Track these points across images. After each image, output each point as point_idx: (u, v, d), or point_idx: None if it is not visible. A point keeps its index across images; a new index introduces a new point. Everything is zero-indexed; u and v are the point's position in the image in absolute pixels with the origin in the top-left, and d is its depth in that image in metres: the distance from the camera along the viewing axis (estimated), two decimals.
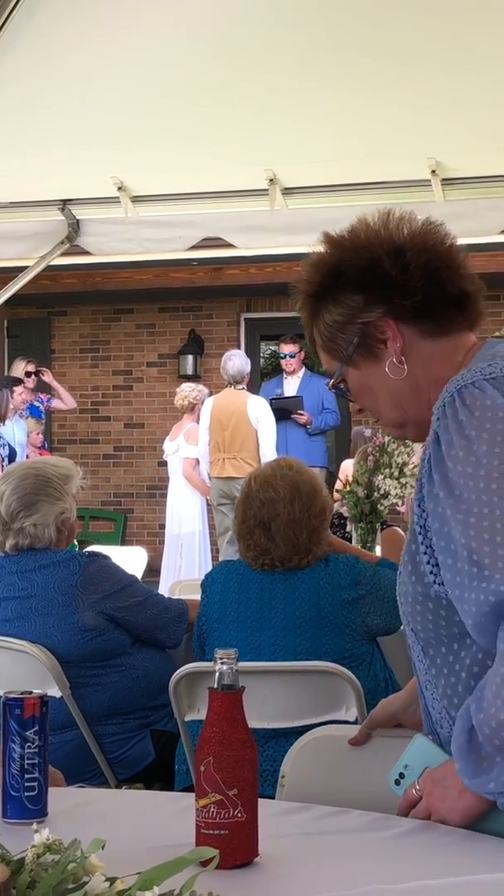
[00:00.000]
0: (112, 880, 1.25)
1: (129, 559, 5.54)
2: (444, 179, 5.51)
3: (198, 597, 3.79)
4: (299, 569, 3.20)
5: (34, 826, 1.35)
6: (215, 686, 1.48)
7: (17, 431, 9.62)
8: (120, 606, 3.38)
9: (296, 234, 5.90)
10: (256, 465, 8.99)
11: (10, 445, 9.25)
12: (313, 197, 5.81)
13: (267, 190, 5.68)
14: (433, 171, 5.45)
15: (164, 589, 8.38)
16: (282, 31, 4.91)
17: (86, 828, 1.48)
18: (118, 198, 5.85)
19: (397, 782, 1.74)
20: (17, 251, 6.29)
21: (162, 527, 10.90)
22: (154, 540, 11.61)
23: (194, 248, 6.23)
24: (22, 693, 1.66)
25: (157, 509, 11.78)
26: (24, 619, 3.36)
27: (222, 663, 1.48)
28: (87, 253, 6.40)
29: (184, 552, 9.46)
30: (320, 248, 1.97)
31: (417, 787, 1.69)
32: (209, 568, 9.50)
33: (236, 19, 4.84)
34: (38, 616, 3.35)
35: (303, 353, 10.88)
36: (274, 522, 3.20)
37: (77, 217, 6.08)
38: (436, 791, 1.66)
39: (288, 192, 5.74)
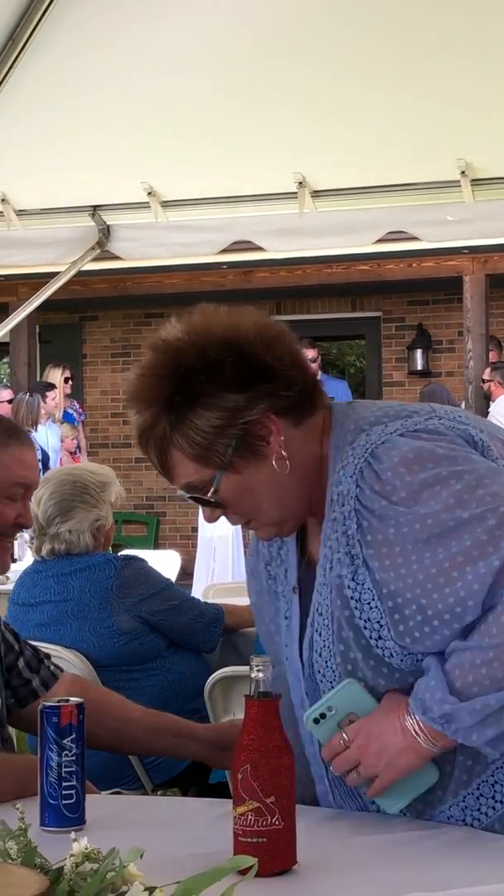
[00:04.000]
0: (151, 889, 1.25)
1: (163, 563, 5.55)
2: (473, 180, 5.48)
3: (232, 601, 3.81)
4: None
5: (72, 835, 1.35)
6: (251, 693, 1.48)
7: (51, 436, 9.66)
8: (155, 610, 3.39)
9: (325, 236, 5.90)
10: None
11: (43, 450, 9.29)
12: (343, 199, 5.80)
13: (296, 193, 5.67)
14: (462, 172, 5.43)
15: (197, 592, 8.38)
16: (310, 36, 4.92)
17: (123, 836, 1.48)
18: (148, 203, 5.86)
19: (317, 721, 1.69)
20: (49, 257, 6.32)
21: (194, 530, 10.91)
22: (186, 543, 11.63)
23: (224, 251, 6.24)
24: (59, 701, 1.67)
25: (190, 512, 11.80)
26: (60, 624, 3.38)
27: (258, 671, 1.48)
28: (117, 258, 6.42)
29: (217, 555, 9.47)
30: (152, 354, 1.78)
31: (346, 738, 1.67)
32: (241, 571, 9.53)
33: (264, 24, 4.85)
34: (74, 620, 3.36)
35: (320, 357, 10.95)
36: None
37: (107, 223, 6.10)
38: (371, 745, 1.65)
39: (317, 194, 5.73)
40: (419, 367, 11.63)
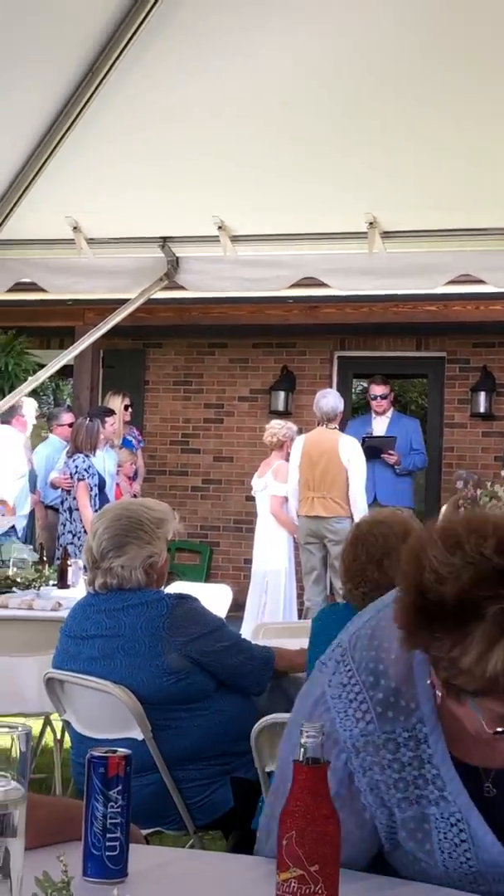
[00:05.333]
0: None
1: (215, 597, 5.54)
2: None
3: (283, 642, 3.79)
4: None
5: (115, 891, 1.34)
6: (300, 759, 1.46)
7: (108, 461, 9.68)
8: (206, 651, 3.37)
9: (393, 277, 5.89)
10: (346, 505, 8.95)
11: (100, 475, 9.32)
12: (413, 241, 5.79)
13: (366, 233, 5.67)
14: None
15: (248, 626, 8.37)
16: (389, 77, 4.92)
17: (164, 891, 1.47)
18: (218, 237, 5.89)
19: None
20: (118, 286, 6.37)
21: (247, 561, 10.88)
22: (239, 574, 11.61)
23: (291, 286, 6.26)
24: (107, 751, 1.66)
25: (243, 543, 11.78)
26: (110, 659, 3.37)
27: (308, 737, 1.46)
28: (184, 288, 6.46)
29: (269, 589, 9.43)
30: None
31: None
32: (293, 606, 9.52)
33: (341, 64, 4.86)
34: (124, 656, 3.35)
35: (392, 393, 10.87)
36: (388, 558, 3.24)
37: (177, 254, 6.14)
38: None
39: (387, 235, 5.73)
40: (482, 410, 11.54)
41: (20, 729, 1.23)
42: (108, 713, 3.34)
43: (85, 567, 7.23)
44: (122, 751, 1.66)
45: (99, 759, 1.64)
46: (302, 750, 1.46)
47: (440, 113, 5.05)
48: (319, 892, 1.41)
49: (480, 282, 6.27)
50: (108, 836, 1.62)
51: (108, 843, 1.62)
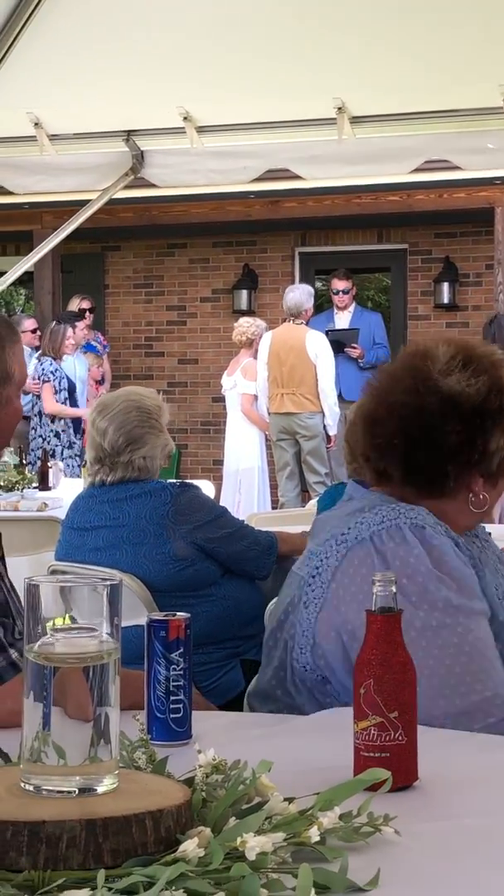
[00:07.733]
0: (290, 800, 1.24)
1: None
2: None
3: (279, 529, 3.81)
4: None
5: (196, 745, 1.34)
6: (373, 609, 1.46)
7: (79, 366, 9.60)
8: (211, 537, 3.39)
9: (364, 163, 5.81)
10: (316, 400, 8.95)
11: (69, 379, 9.24)
12: (382, 126, 5.71)
13: (335, 119, 5.58)
14: None
15: None
16: None
17: (233, 750, 1.46)
18: (183, 128, 5.77)
19: None
20: (82, 183, 6.25)
21: (216, 462, 10.88)
22: (208, 475, 11.61)
23: (253, 180, 6.17)
24: (166, 615, 1.66)
25: (211, 445, 11.78)
26: (115, 549, 3.38)
27: (380, 586, 1.45)
28: (145, 185, 6.34)
29: (242, 488, 9.46)
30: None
31: None
32: (267, 503, 9.55)
33: None
34: (130, 545, 3.36)
35: (354, 288, 10.82)
36: None
37: (141, 148, 6.01)
38: None
39: (356, 120, 5.64)
40: (445, 301, 11.53)
41: (107, 581, 1.21)
42: None
43: (62, 462, 7.14)
44: (182, 614, 1.66)
45: (159, 622, 1.63)
46: (374, 599, 1.45)
47: None
48: (399, 738, 1.42)
49: (445, 169, 6.21)
50: (172, 698, 1.62)
51: (171, 706, 1.62)
